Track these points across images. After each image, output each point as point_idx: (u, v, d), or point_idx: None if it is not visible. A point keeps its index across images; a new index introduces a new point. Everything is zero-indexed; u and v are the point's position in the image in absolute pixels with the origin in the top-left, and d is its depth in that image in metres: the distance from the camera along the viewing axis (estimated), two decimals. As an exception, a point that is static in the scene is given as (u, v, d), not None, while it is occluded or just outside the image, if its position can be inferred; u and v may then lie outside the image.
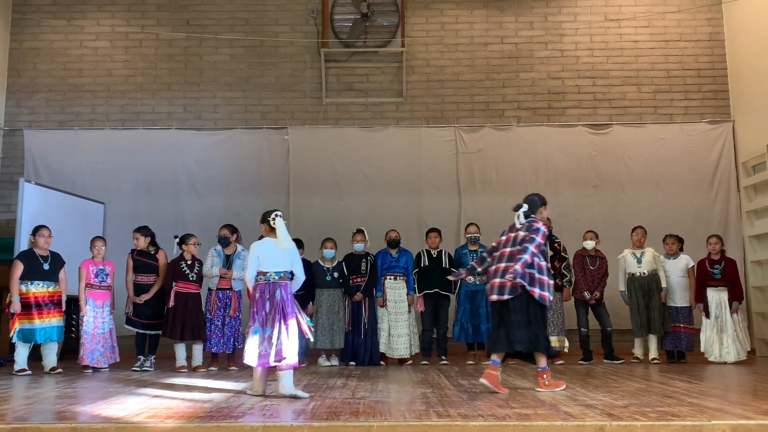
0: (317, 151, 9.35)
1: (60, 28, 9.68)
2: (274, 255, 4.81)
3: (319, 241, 7.58)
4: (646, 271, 7.45)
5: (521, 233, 4.95)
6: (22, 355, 6.47)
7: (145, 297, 6.87)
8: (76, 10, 9.72)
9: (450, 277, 5.76)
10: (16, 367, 6.42)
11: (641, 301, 7.39)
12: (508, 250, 4.97)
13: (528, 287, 4.77)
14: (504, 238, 5.09)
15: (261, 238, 5.10)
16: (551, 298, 4.96)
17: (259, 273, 4.79)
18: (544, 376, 4.86)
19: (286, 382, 4.60)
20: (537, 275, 4.82)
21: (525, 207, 5.07)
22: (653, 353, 7.41)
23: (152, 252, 7.08)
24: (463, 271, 5.35)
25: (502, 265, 4.93)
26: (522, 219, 5.02)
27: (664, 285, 7.44)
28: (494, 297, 4.91)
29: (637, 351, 7.52)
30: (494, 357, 4.86)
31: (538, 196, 5.23)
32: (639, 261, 7.49)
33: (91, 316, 6.70)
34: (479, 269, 5.19)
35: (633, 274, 7.48)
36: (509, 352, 4.87)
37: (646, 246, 7.63)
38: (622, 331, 8.01)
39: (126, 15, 9.73)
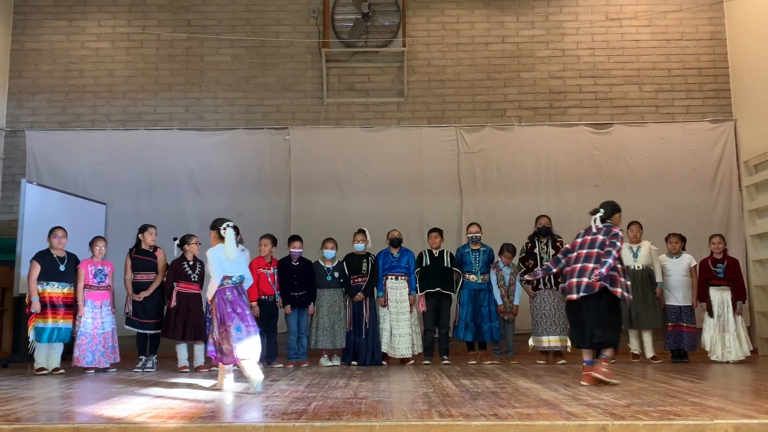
0: (318, 152, 9.36)
1: (61, 29, 9.69)
2: (229, 261, 5.19)
3: (320, 241, 7.58)
4: (641, 265, 7.46)
5: (600, 237, 5.30)
6: (41, 354, 6.50)
7: (144, 294, 6.87)
8: (78, 11, 9.73)
9: (528, 276, 6.37)
10: (36, 365, 6.46)
11: (635, 296, 7.37)
12: (584, 251, 5.31)
13: (611, 288, 5.13)
14: (579, 240, 5.44)
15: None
16: (631, 297, 5.35)
17: (225, 277, 5.14)
18: (605, 363, 5.14)
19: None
20: (618, 277, 5.19)
21: (601, 212, 5.39)
22: (650, 351, 7.40)
23: (151, 250, 7.09)
24: (539, 271, 5.86)
25: (579, 265, 5.28)
26: (598, 223, 5.36)
27: (659, 279, 7.44)
28: (573, 296, 5.23)
29: (633, 345, 7.52)
30: (586, 357, 5.24)
31: (613, 203, 5.53)
32: (635, 255, 7.50)
33: (90, 317, 6.70)
34: (554, 269, 5.66)
35: (628, 267, 7.48)
36: (590, 347, 5.24)
37: (643, 240, 7.63)
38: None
39: (127, 16, 9.74)
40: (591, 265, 5.19)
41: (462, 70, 9.67)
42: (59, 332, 6.56)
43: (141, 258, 7.00)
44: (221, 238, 5.22)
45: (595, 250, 5.24)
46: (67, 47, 9.67)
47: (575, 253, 5.38)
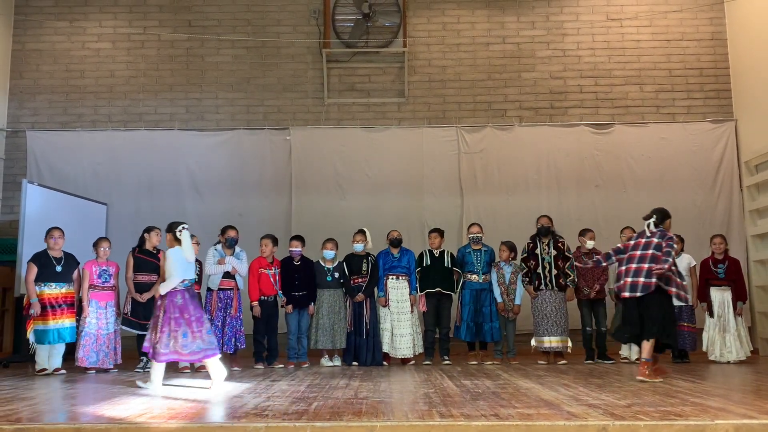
0: (319, 152, 9.36)
1: (62, 30, 9.70)
2: (186, 264, 5.38)
3: (320, 241, 7.58)
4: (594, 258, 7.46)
5: (655, 240, 5.70)
6: (42, 355, 6.51)
7: (147, 295, 6.88)
8: (78, 12, 9.74)
9: (577, 263, 7.07)
10: (38, 367, 6.48)
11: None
12: (639, 253, 5.69)
13: (665, 287, 5.53)
14: (633, 242, 5.83)
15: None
16: (689, 296, 5.84)
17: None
18: (646, 366, 5.45)
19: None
20: (674, 277, 5.60)
21: (654, 218, 5.81)
22: (644, 353, 7.38)
23: (155, 251, 7.09)
24: (590, 262, 6.49)
25: (634, 266, 5.65)
26: (652, 227, 5.77)
27: None
28: (627, 294, 5.61)
29: (625, 351, 7.50)
30: (644, 355, 5.55)
31: (664, 210, 5.94)
32: None
33: (94, 318, 6.70)
34: (604, 263, 6.27)
35: None
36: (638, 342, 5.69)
37: None
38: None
39: (128, 16, 9.75)
40: (646, 266, 5.56)
41: (463, 71, 9.68)
42: (62, 333, 6.56)
43: (143, 258, 7.00)
44: (177, 241, 5.39)
45: (650, 252, 5.62)
46: (68, 48, 9.68)
47: (628, 254, 5.77)
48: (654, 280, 5.48)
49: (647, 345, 5.52)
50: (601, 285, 7.44)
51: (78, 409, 4.19)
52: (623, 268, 5.75)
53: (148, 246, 7.05)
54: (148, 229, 7.09)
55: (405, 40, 9.52)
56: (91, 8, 9.74)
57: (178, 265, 5.29)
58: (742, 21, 9.28)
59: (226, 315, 6.96)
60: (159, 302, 5.35)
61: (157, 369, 5.26)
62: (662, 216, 5.85)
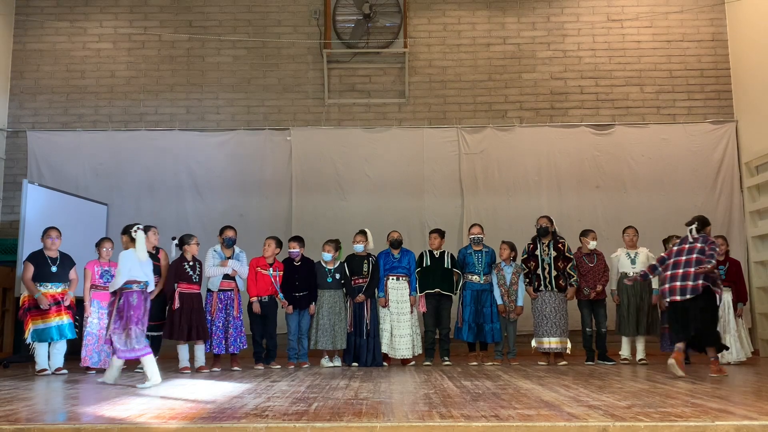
0: (320, 152, 9.36)
1: (63, 30, 9.70)
2: (139, 265, 5.57)
3: (321, 241, 7.59)
4: (639, 271, 7.44)
5: (698, 245, 6.04)
6: (41, 355, 6.51)
7: (149, 298, 6.86)
8: (79, 12, 9.74)
9: (626, 281, 7.11)
10: (37, 367, 6.48)
11: (632, 300, 7.39)
12: (684, 258, 6.03)
13: (712, 287, 5.88)
14: (676, 248, 6.18)
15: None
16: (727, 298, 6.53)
17: (132, 282, 5.51)
18: (716, 365, 5.88)
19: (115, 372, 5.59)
20: (718, 280, 6.01)
21: (696, 224, 6.16)
22: (641, 354, 7.39)
23: (154, 252, 7.07)
24: (638, 275, 6.57)
25: (681, 270, 5.97)
26: (694, 233, 6.11)
27: (655, 287, 7.43)
28: (678, 297, 5.92)
29: (625, 352, 7.50)
30: (710, 355, 5.94)
31: (704, 217, 6.31)
32: (633, 261, 7.49)
33: (96, 317, 6.71)
34: (651, 276, 6.50)
35: (626, 273, 7.47)
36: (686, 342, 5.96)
37: (641, 246, 7.61)
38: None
39: (129, 17, 9.76)
40: (693, 270, 5.89)
41: (463, 71, 9.68)
42: (59, 330, 6.56)
43: None
44: (133, 241, 5.60)
45: (695, 256, 5.96)
46: (68, 48, 9.69)
47: (673, 260, 6.11)
48: (701, 281, 5.82)
49: (711, 349, 5.92)
50: (603, 286, 7.43)
51: (78, 410, 4.18)
52: (668, 273, 6.08)
53: (147, 246, 7.01)
54: (145, 229, 7.04)
55: (406, 40, 9.53)
56: (92, 9, 9.75)
57: (129, 265, 5.50)
58: (743, 22, 9.28)
59: (228, 316, 6.95)
60: (113, 300, 5.56)
61: (116, 364, 5.59)
62: (702, 222, 6.21)
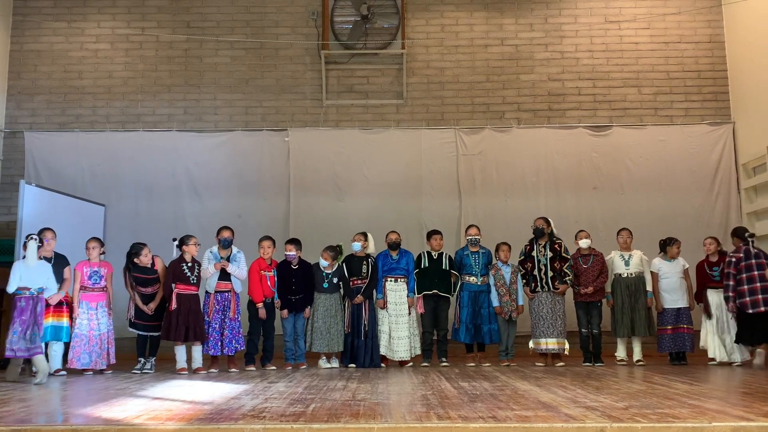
0: (317, 153, 9.36)
1: (60, 31, 9.69)
2: (29, 272, 5.93)
3: (318, 242, 7.59)
4: (633, 273, 7.46)
5: (762, 259, 6.83)
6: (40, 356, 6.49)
7: (153, 305, 6.87)
8: (77, 13, 9.73)
9: (730, 313, 7.28)
10: (35, 369, 6.44)
11: (626, 301, 7.40)
12: (756, 272, 6.78)
13: None
14: (745, 263, 6.85)
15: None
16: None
17: (23, 288, 5.88)
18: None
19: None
20: None
21: (755, 235, 7.04)
22: (637, 355, 7.40)
23: (150, 266, 7.00)
24: (732, 305, 7.00)
25: (758, 284, 6.74)
26: (755, 245, 6.98)
27: (649, 289, 7.43)
28: (762, 309, 6.72)
29: (620, 353, 7.50)
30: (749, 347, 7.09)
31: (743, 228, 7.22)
32: (627, 263, 7.49)
33: (85, 319, 6.67)
34: (732, 294, 6.94)
35: (620, 274, 7.48)
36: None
37: (636, 248, 7.62)
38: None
39: (126, 17, 9.75)
40: None
41: (461, 72, 9.69)
42: (55, 330, 6.54)
43: (139, 276, 6.92)
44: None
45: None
46: (66, 48, 9.68)
47: (747, 275, 6.80)
48: None
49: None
50: (596, 287, 7.39)
51: (75, 411, 4.18)
52: (745, 287, 6.81)
53: (139, 264, 6.95)
54: (137, 251, 6.97)
55: (403, 41, 9.53)
56: (90, 9, 9.74)
57: (18, 273, 5.91)
58: (740, 24, 9.30)
59: (224, 317, 6.93)
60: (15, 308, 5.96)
61: (15, 364, 5.99)
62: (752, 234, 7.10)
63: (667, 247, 7.58)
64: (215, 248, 7.10)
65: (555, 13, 9.78)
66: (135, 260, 6.89)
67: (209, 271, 6.94)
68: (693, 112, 9.55)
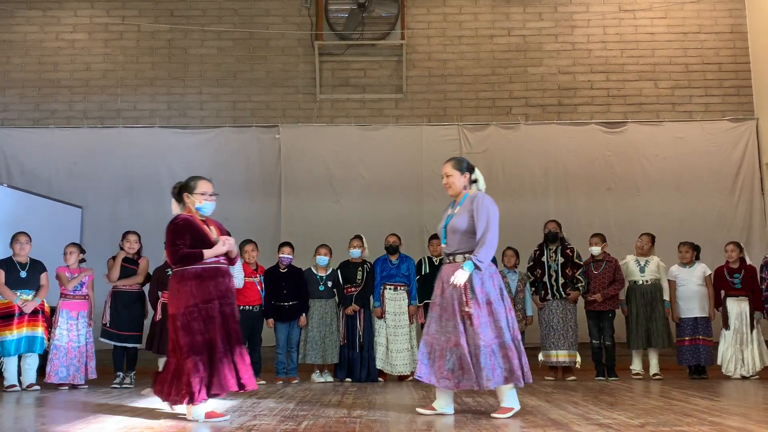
0: (311, 151, 9.37)
1: (35, 20, 9.69)
2: None
3: (312, 247, 7.57)
4: (648, 280, 7.46)
5: None
6: (10, 370, 6.49)
7: (126, 281, 6.84)
8: (53, 0, 9.73)
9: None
10: (6, 383, 6.45)
11: (641, 311, 7.39)
12: None
13: None
14: None
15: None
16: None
17: None
18: None
19: None
20: None
21: None
22: (654, 368, 7.40)
23: (136, 258, 7.05)
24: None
25: None
26: None
27: (666, 298, 7.43)
28: None
29: (636, 366, 7.50)
30: None
31: None
32: (642, 270, 7.49)
33: (65, 329, 6.65)
34: None
35: (635, 281, 7.49)
36: None
37: (655, 254, 7.62)
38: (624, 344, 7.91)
39: (105, 5, 9.75)
40: None
41: (465, 65, 9.70)
42: (29, 341, 6.54)
43: (126, 266, 6.95)
44: None
45: None
46: (40, 39, 9.68)
47: None
48: None
49: None
50: (606, 296, 7.37)
51: (49, 428, 4.17)
52: None
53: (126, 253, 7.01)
54: (124, 237, 7.05)
55: (403, 31, 9.55)
56: (66, -4, 9.75)
57: None
58: (764, 13, 9.31)
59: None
60: None
61: None
62: None
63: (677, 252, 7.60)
64: None
65: (566, 1, 9.80)
66: (120, 245, 6.92)
67: None
68: (713, 108, 9.57)
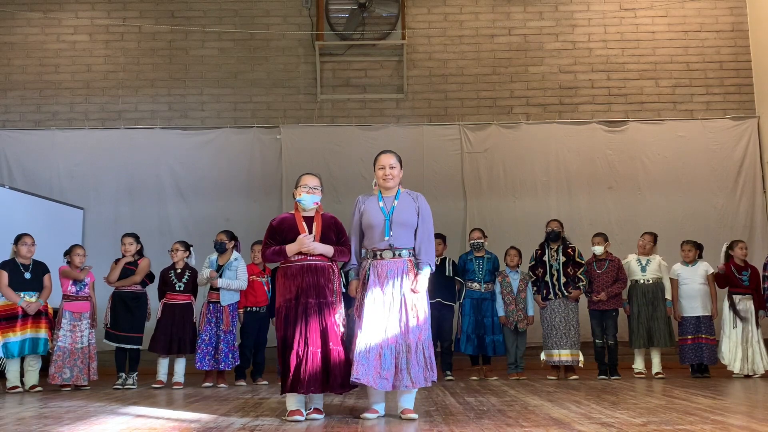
0: (312, 152, 9.37)
1: (36, 21, 9.71)
2: None
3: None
4: (650, 279, 7.45)
5: None
6: (12, 371, 6.50)
7: (123, 263, 6.89)
8: (53, 2, 9.75)
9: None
10: (8, 384, 6.47)
11: (643, 309, 7.39)
12: None
13: None
14: None
15: None
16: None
17: None
18: None
19: None
20: None
21: None
22: (656, 367, 7.40)
23: (136, 259, 7.06)
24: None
25: None
26: None
27: (668, 297, 7.43)
28: None
29: (638, 365, 7.50)
30: None
31: None
32: (643, 269, 7.49)
33: (68, 330, 6.67)
34: None
35: (636, 281, 7.49)
36: None
37: (656, 253, 7.61)
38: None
39: (106, 7, 9.76)
40: None
41: (466, 65, 9.70)
42: (33, 343, 6.55)
43: (126, 267, 6.97)
44: None
45: None
46: (41, 40, 9.69)
47: None
48: None
49: None
50: (610, 294, 7.37)
51: (52, 430, 4.18)
52: None
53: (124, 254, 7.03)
54: (126, 236, 7.10)
55: (404, 31, 9.55)
56: (67, -2, 9.76)
57: None
58: (765, 11, 9.31)
59: (217, 330, 6.92)
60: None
61: None
62: None
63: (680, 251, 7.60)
64: (214, 255, 7.11)
65: (566, 0, 9.80)
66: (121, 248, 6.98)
67: (202, 277, 6.98)
68: (714, 106, 9.56)
